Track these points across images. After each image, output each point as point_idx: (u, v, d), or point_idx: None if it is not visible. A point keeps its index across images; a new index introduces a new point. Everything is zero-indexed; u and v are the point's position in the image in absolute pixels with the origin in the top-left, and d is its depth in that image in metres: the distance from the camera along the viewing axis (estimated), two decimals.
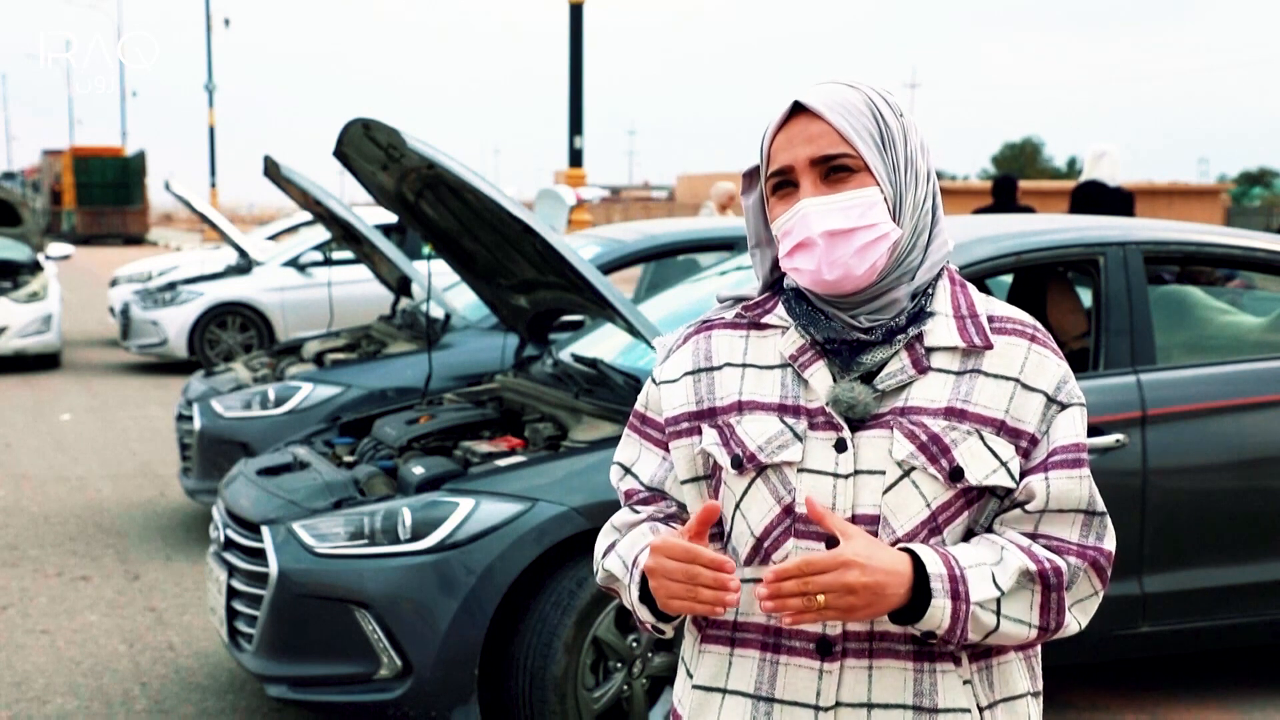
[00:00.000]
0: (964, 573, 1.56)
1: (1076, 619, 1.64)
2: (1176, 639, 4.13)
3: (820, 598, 1.49)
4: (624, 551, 1.71)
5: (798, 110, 1.64)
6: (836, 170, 1.62)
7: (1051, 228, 4.41)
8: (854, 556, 1.51)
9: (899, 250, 1.64)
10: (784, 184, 1.65)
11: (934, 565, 1.55)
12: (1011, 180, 10.31)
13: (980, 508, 1.64)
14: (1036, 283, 5.01)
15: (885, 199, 1.62)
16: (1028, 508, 1.62)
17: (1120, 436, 3.88)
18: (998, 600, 1.57)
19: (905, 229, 1.64)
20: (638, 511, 1.75)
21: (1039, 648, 1.73)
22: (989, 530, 1.66)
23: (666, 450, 1.75)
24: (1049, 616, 1.61)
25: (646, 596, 1.65)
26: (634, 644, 3.67)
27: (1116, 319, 4.07)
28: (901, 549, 1.57)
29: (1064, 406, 1.65)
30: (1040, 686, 1.74)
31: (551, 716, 3.57)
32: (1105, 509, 1.66)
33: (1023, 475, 1.64)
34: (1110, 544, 1.66)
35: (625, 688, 3.68)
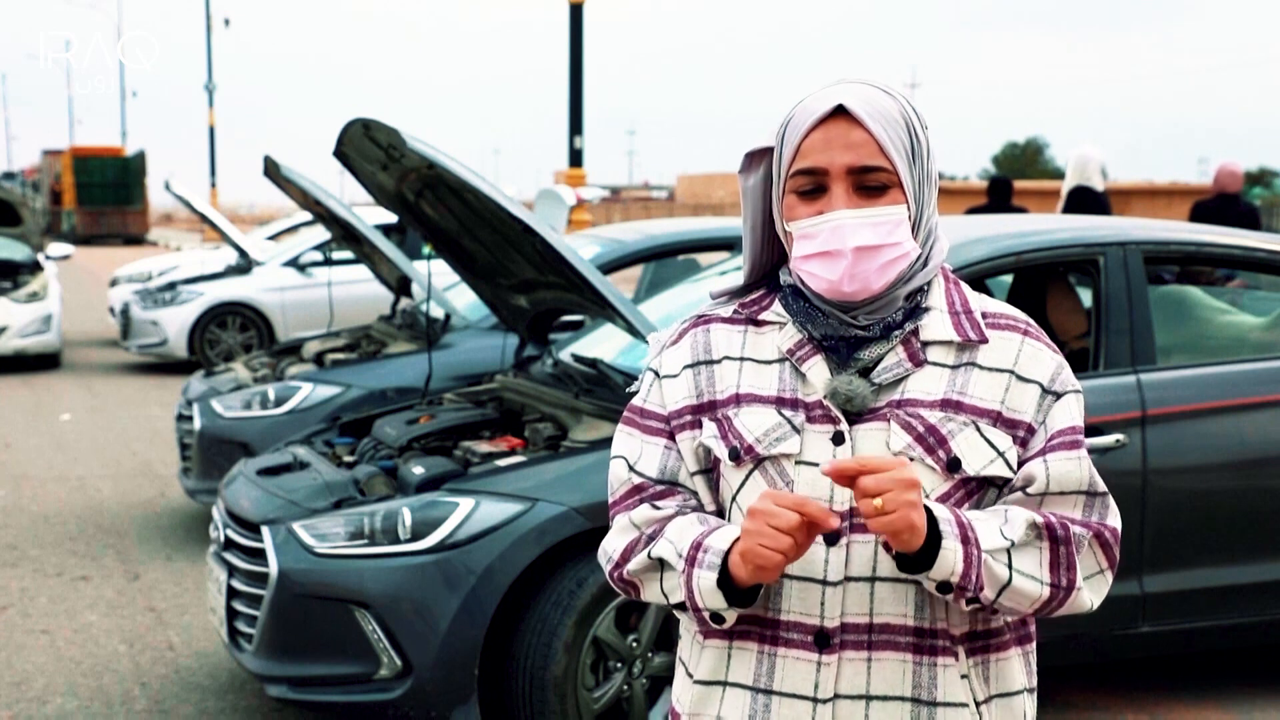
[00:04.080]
0: (971, 522, 1.57)
1: (1089, 597, 1.64)
2: (1176, 639, 4.13)
3: (877, 501, 1.48)
4: (676, 537, 1.65)
5: (836, 111, 1.62)
6: (873, 183, 1.61)
7: (1051, 228, 4.41)
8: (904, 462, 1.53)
9: (912, 264, 1.65)
10: (812, 185, 1.63)
11: (941, 511, 1.56)
12: (1006, 181, 10.63)
13: (980, 499, 1.64)
14: (1036, 283, 5.01)
15: (910, 215, 1.63)
16: (1029, 490, 1.63)
17: (1120, 436, 3.88)
18: (1008, 551, 1.57)
19: (919, 243, 1.65)
20: (659, 507, 1.71)
21: (1035, 644, 1.74)
22: None
23: (669, 440, 1.73)
24: (1059, 573, 1.60)
25: (723, 581, 1.60)
26: (634, 644, 3.67)
27: (1116, 319, 4.07)
28: None
29: (1059, 395, 1.67)
30: (1035, 684, 1.75)
31: (551, 716, 3.57)
32: (1106, 489, 1.67)
33: (1021, 464, 1.64)
34: (1115, 521, 1.67)
35: (625, 688, 3.68)
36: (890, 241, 1.60)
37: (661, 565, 1.67)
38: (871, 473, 1.49)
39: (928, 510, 1.54)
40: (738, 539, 1.58)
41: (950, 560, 1.53)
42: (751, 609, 1.64)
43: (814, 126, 1.62)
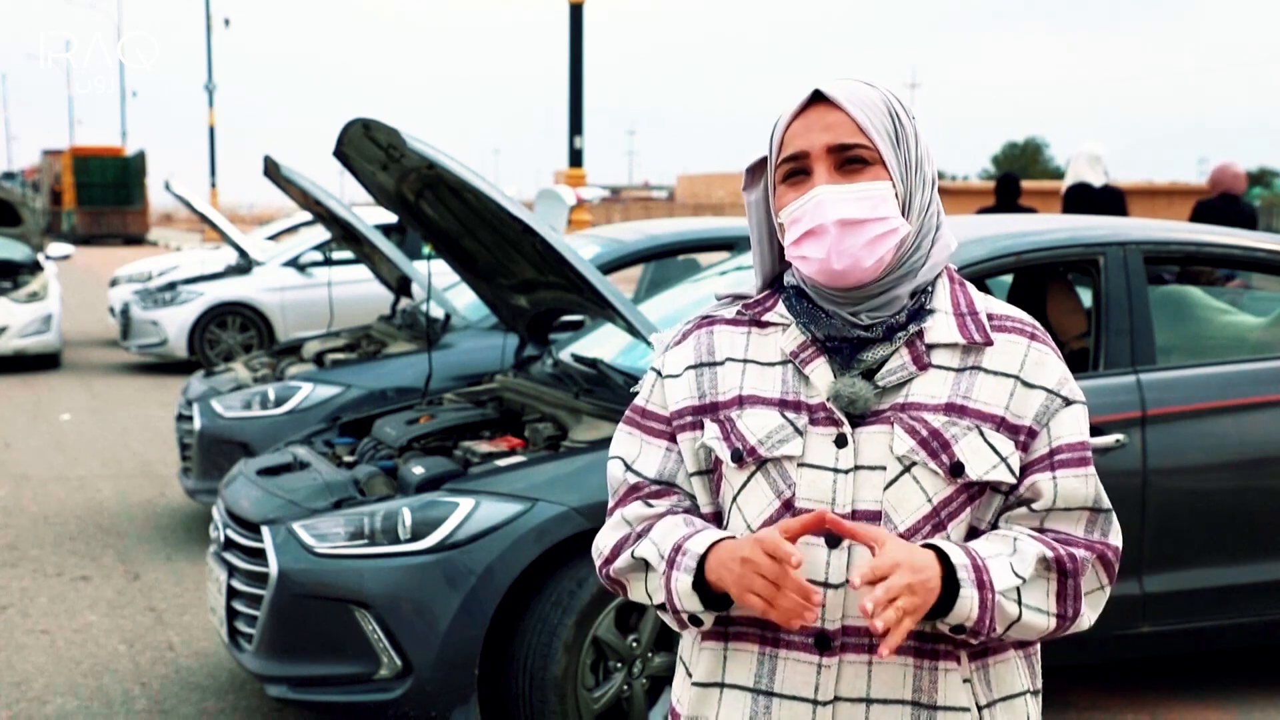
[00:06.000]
0: (985, 563, 1.56)
1: (1089, 616, 1.65)
2: (1176, 639, 4.13)
3: (901, 602, 1.48)
4: (659, 539, 1.67)
5: (816, 99, 1.64)
6: (852, 160, 1.62)
7: (1051, 228, 4.41)
8: (898, 558, 1.50)
9: (905, 248, 1.64)
10: (796, 171, 1.65)
11: (958, 556, 1.55)
12: (1015, 179, 10.27)
13: (983, 503, 1.64)
14: (1036, 283, 5.01)
15: (897, 194, 1.63)
16: (1034, 506, 1.63)
17: (1120, 436, 3.88)
18: (1018, 589, 1.57)
19: (912, 227, 1.65)
20: (652, 505, 1.72)
21: (1039, 646, 1.74)
22: (994, 527, 1.66)
23: (670, 442, 1.73)
24: (1066, 604, 1.61)
25: (699, 584, 1.61)
26: (634, 644, 3.67)
27: (1116, 319, 4.07)
28: (923, 545, 1.57)
29: (1067, 402, 1.66)
30: (1039, 685, 1.74)
31: (551, 716, 3.57)
32: (1111, 506, 1.67)
33: (1025, 470, 1.64)
34: (1117, 540, 1.67)
35: (625, 688, 3.68)
36: (876, 216, 1.61)
37: (645, 566, 1.69)
38: (880, 580, 1.48)
39: (943, 554, 1.55)
40: (717, 542, 1.60)
41: (967, 607, 1.54)
42: (745, 611, 1.63)
43: (794, 116, 1.65)
